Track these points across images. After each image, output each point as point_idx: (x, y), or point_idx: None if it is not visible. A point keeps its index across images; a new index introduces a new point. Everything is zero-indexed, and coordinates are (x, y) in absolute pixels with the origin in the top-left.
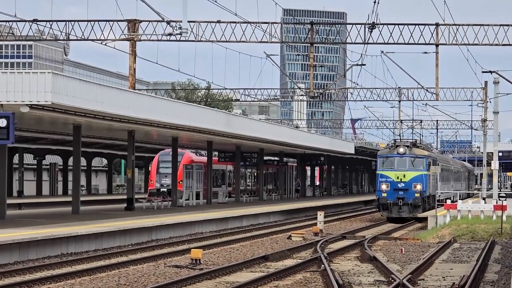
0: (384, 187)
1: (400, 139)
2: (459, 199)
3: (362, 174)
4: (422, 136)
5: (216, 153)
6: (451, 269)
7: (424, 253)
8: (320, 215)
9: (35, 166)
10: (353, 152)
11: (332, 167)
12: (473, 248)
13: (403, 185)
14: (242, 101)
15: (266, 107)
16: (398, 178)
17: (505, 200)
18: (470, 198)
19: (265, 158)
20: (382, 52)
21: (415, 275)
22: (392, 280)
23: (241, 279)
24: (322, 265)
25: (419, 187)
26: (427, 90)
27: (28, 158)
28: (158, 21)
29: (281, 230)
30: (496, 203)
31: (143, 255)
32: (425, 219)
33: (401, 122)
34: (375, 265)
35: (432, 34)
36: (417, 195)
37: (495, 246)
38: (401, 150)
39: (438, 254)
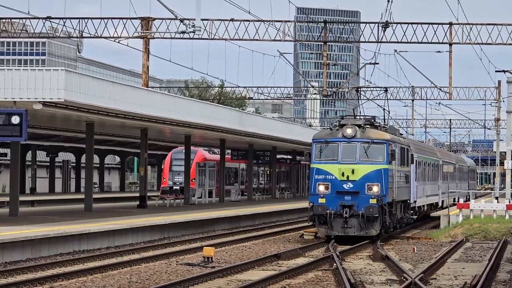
0: (321, 188)
1: (354, 115)
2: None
3: None
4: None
5: (229, 151)
6: (463, 268)
7: (436, 252)
8: None
9: (48, 163)
10: None
11: None
12: (485, 247)
13: (351, 185)
14: (255, 99)
15: (279, 106)
16: (343, 175)
17: None
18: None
19: (278, 156)
20: (396, 51)
21: (427, 274)
22: (404, 279)
23: (253, 277)
24: (334, 264)
25: (375, 189)
26: (440, 89)
27: (41, 155)
28: (172, 19)
29: (293, 228)
30: (509, 202)
31: (155, 253)
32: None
33: (357, 90)
34: (387, 264)
35: (445, 33)
36: (372, 201)
37: (507, 246)
38: (349, 131)
39: (450, 253)
